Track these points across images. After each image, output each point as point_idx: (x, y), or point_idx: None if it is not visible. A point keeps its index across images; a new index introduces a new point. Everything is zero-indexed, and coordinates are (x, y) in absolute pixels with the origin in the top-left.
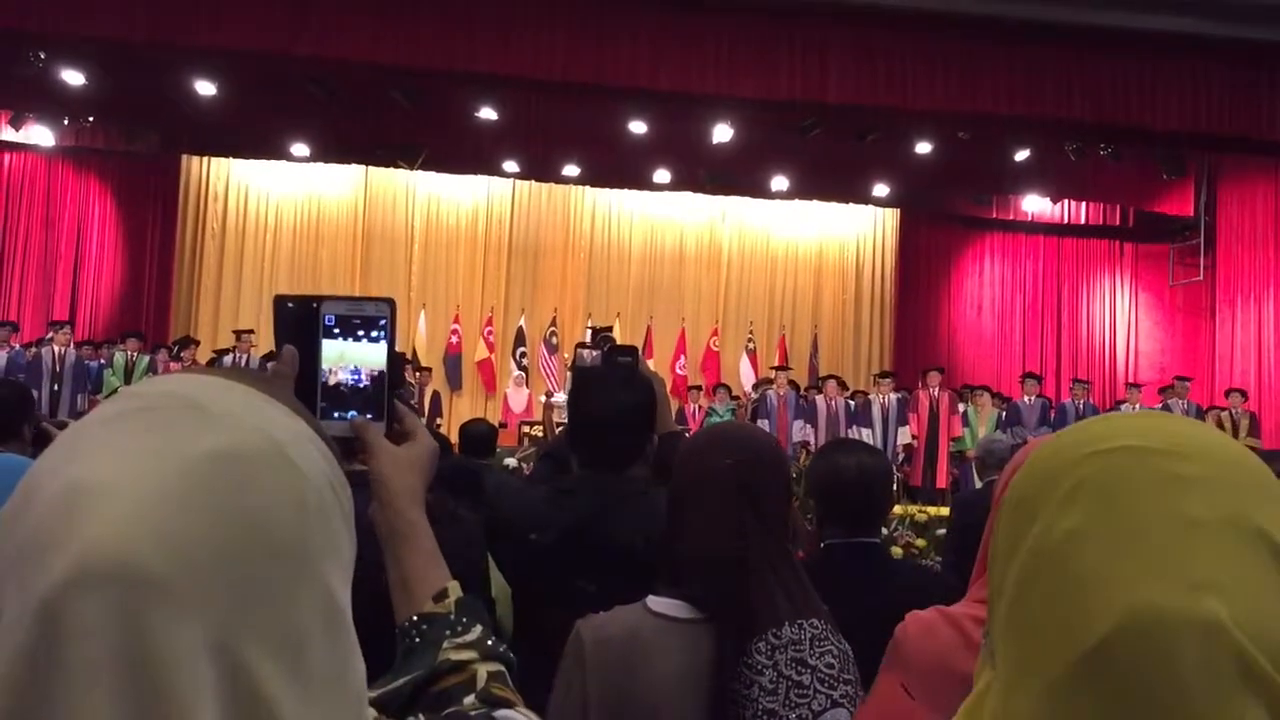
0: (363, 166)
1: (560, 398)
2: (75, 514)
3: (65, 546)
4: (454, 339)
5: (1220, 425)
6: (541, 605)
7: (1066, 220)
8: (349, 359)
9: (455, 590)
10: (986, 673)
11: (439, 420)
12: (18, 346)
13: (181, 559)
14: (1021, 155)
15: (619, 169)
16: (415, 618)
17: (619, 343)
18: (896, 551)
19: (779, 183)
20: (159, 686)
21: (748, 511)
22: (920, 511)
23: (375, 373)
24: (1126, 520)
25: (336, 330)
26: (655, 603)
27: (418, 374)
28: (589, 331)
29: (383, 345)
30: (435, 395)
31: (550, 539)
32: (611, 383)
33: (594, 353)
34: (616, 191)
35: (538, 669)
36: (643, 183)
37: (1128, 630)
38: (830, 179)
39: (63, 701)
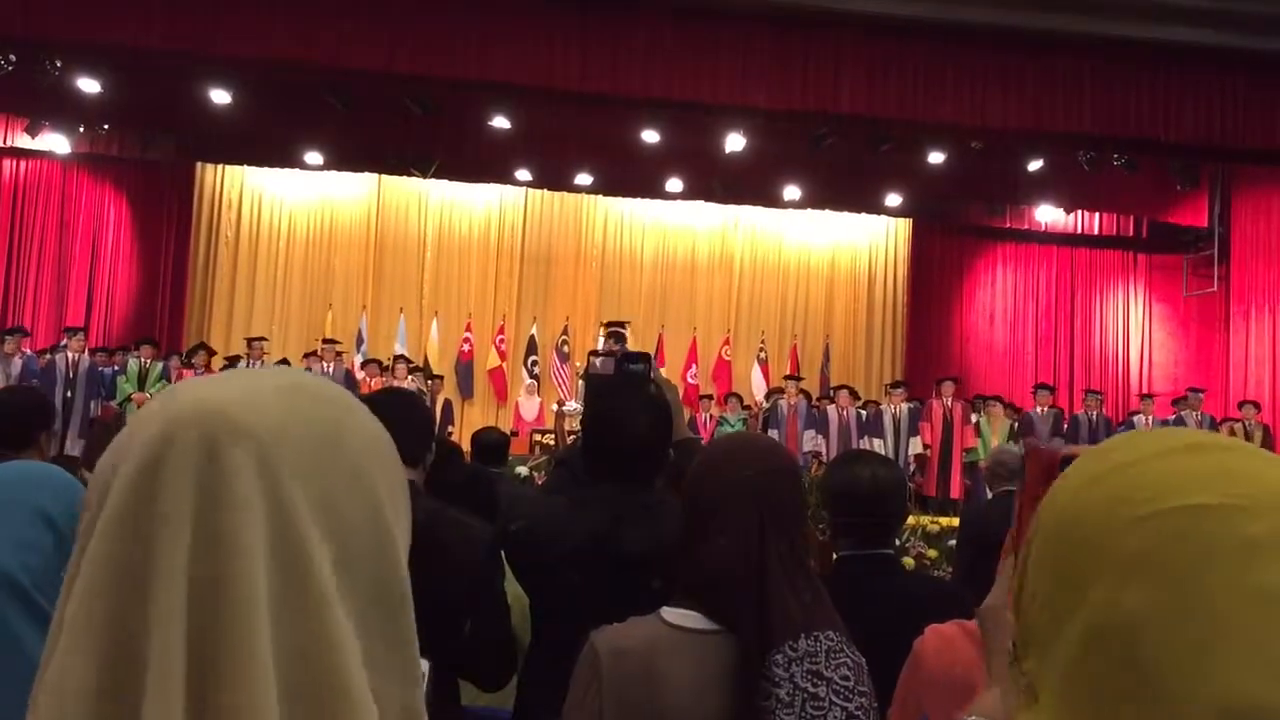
0: (376, 175)
1: (571, 406)
2: (178, 391)
3: (168, 407)
4: (466, 347)
5: (1234, 436)
6: (558, 616)
7: (1080, 230)
8: None
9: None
10: (1029, 714)
11: (450, 428)
12: (29, 352)
13: (262, 423)
14: (1035, 165)
15: (631, 178)
16: None
17: (630, 348)
18: (909, 562)
19: (791, 192)
20: (224, 527)
21: (768, 524)
22: (932, 522)
23: None
24: (1199, 600)
25: None
26: (670, 614)
27: (430, 382)
28: (602, 336)
29: None
30: (447, 403)
31: (566, 550)
32: (630, 410)
33: (606, 359)
34: (629, 200)
35: (553, 679)
36: (655, 192)
37: None
38: (843, 189)
39: (158, 502)
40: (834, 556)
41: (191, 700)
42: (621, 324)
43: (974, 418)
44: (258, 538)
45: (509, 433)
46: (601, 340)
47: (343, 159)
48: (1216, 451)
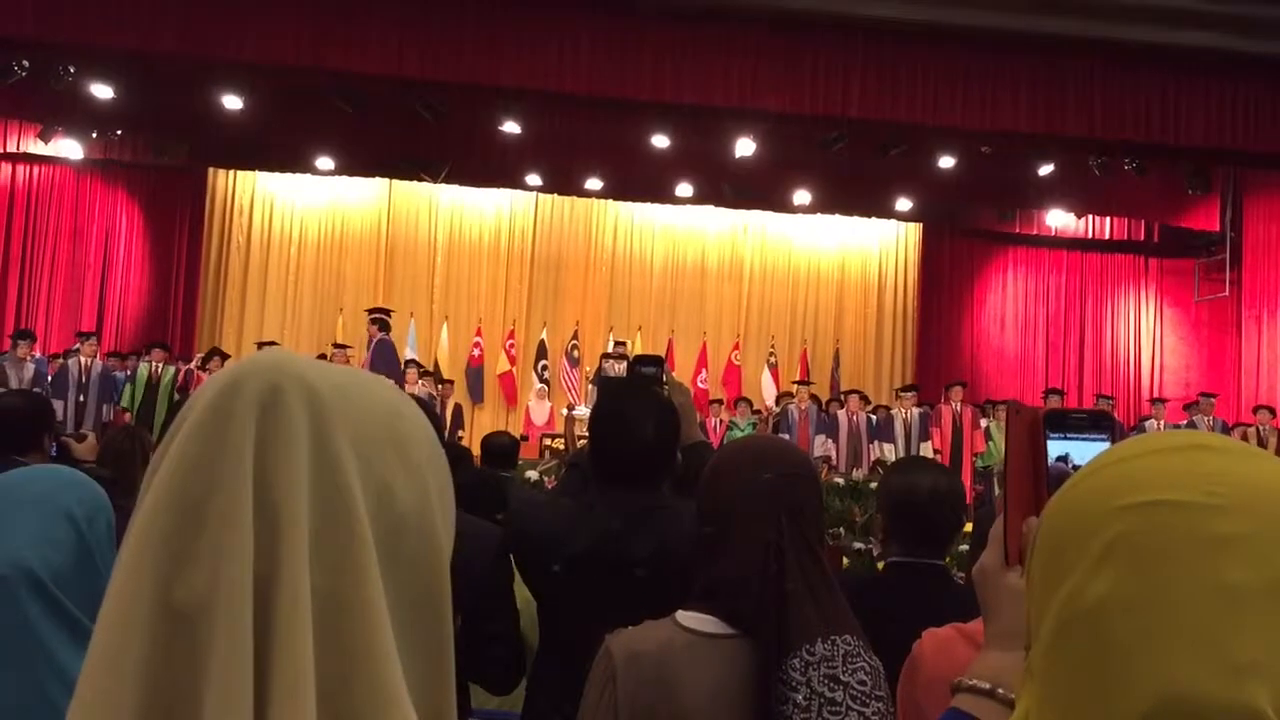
0: (387, 179)
1: (581, 410)
2: (253, 354)
3: (240, 363)
4: (476, 352)
5: (1246, 441)
6: (566, 619)
7: (1091, 235)
8: None
9: None
10: (1025, 699)
11: (460, 433)
12: (39, 355)
13: (327, 385)
14: (1045, 170)
15: (641, 182)
16: None
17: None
18: None
19: (801, 196)
20: (279, 463)
21: (787, 527)
22: None
23: None
24: (1160, 591)
25: None
26: (685, 618)
27: (440, 386)
28: (613, 344)
29: None
30: (457, 408)
31: (574, 553)
32: (636, 412)
33: (619, 364)
34: (638, 205)
35: (562, 682)
36: (665, 196)
37: (1162, 717)
38: (853, 193)
39: (221, 438)
40: (879, 564)
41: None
42: (620, 352)
43: (984, 422)
44: (302, 482)
45: (519, 437)
46: (612, 344)
47: (354, 164)
48: (1210, 452)
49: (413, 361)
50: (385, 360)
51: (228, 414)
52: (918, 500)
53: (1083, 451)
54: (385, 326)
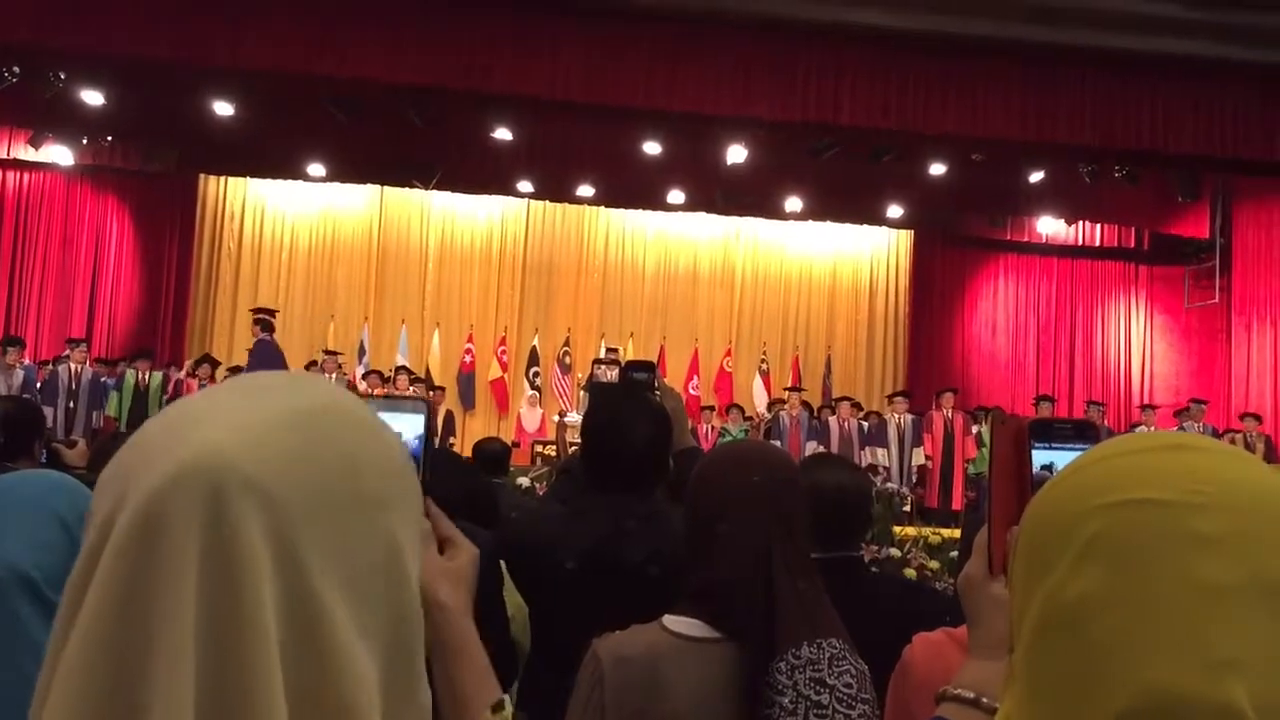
0: (378, 186)
1: (573, 416)
2: (184, 430)
3: (173, 452)
4: (467, 358)
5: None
6: (558, 624)
7: (1081, 242)
8: None
9: (508, 704)
10: (1007, 701)
11: (452, 439)
12: (28, 362)
13: (272, 470)
14: (1036, 177)
15: (633, 189)
16: None
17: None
18: (910, 573)
19: (793, 203)
20: (232, 578)
21: (775, 530)
22: (934, 533)
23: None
24: (1140, 588)
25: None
26: (672, 622)
27: (431, 393)
28: (605, 350)
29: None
30: (449, 414)
31: (567, 559)
32: (629, 418)
33: (611, 369)
34: (630, 211)
35: (554, 687)
36: (657, 203)
37: (1141, 713)
38: (844, 200)
39: (157, 596)
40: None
41: None
42: (613, 359)
43: (975, 429)
44: (266, 594)
45: (511, 443)
46: (604, 350)
47: (345, 170)
48: (1192, 451)
49: (403, 368)
50: (263, 364)
51: (162, 527)
52: (824, 496)
53: (1067, 461)
54: (268, 327)
